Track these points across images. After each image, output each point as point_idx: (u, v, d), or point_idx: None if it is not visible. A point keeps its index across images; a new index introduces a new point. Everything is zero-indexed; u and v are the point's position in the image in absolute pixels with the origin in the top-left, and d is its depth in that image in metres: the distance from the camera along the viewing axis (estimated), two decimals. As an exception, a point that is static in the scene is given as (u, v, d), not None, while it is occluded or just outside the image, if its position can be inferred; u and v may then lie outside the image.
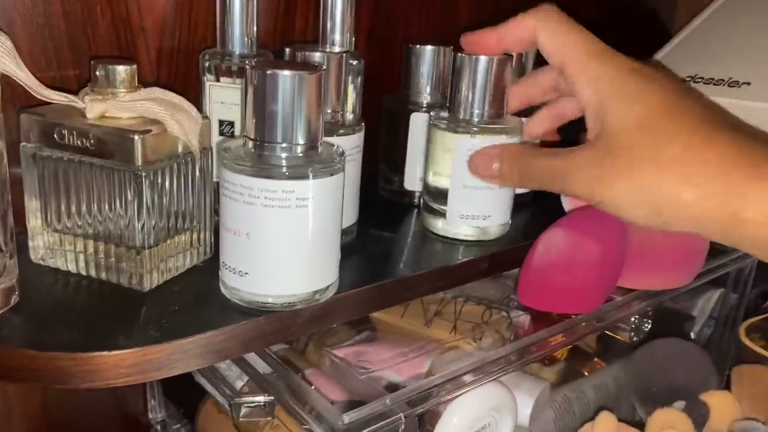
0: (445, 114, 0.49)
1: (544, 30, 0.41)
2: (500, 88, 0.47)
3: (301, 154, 0.37)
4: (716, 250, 0.61)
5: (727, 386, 0.54)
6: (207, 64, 0.46)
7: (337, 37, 0.52)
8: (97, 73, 0.38)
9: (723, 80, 0.63)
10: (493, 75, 0.47)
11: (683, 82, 0.38)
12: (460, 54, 0.47)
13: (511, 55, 0.47)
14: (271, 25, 0.54)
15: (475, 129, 0.47)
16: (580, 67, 0.39)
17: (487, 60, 0.46)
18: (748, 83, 0.61)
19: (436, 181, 0.50)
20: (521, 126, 0.49)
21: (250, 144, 0.37)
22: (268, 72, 0.35)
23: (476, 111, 0.48)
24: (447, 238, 0.50)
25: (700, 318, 0.63)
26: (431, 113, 0.50)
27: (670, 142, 0.35)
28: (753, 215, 0.32)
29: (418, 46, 0.55)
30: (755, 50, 0.65)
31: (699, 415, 0.47)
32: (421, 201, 0.53)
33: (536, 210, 0.54)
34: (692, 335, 0.63)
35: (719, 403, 0.48)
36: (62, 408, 0.55)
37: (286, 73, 0.35)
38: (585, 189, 0.38)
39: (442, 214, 0.50)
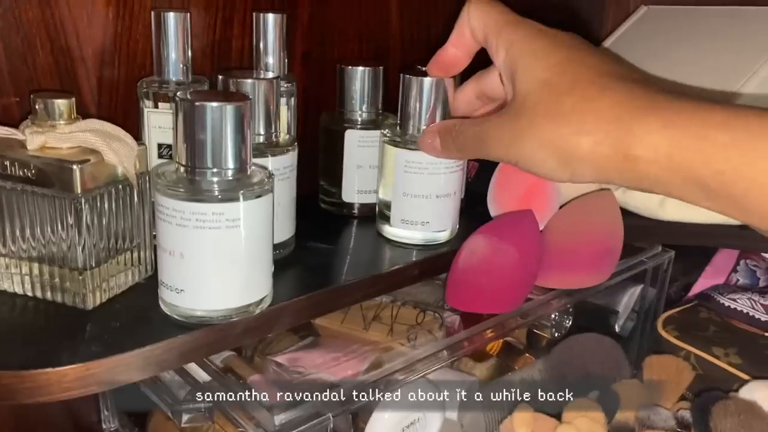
0: (395, 131, 0.54)
1: (472, 14, 0.43)
2: (441, 105, 0.52)
3: (231, 178, 0.40)
4: (635, 248, 0.65)
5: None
6: (145, 91, 0.49)
7: (271, 60, 0.55)
8: (37, 106, 0.41)
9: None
10: (434, 94, 0.51)
11: (594, 46, 0.41)
12: (407, 75, 0.52)
13: (453, 77, 0.51)
14: (208, 50, 0.56)
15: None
16: (496, 34, 0.41)
17: (429, 80, 0.51)
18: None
19: (387, 193, 0.54)
20: None
21: (182, 170, 0.40)
22: (197, 104, 0.38)
23: (422, 127, 0.52)
24: (394, 242, 0.55)
25: (624, 312, 0.68)
26: (383, 131, 0.54)
27: (567, 95, 0.36)
28: (642, 152, 0.33)
29: (350, 67, 0.59)
30: (671, 62, 0.70)
31: (610, 402, 0.51)
32: (377, 209, 0.57)
33: (468, 217, 0.58)
34: (617, 329, 0.68)
35: (628, 391, 0.52)
36: (15, 420, 0.57)
37: (213, 104, 0.38)
38: (501, 151, 0.40)
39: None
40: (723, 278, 0.72)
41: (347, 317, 0.58)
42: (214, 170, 0.39)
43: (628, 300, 0.69)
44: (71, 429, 0.60)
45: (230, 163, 0.40)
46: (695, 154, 0.32)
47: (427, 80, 0.51)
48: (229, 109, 0.38)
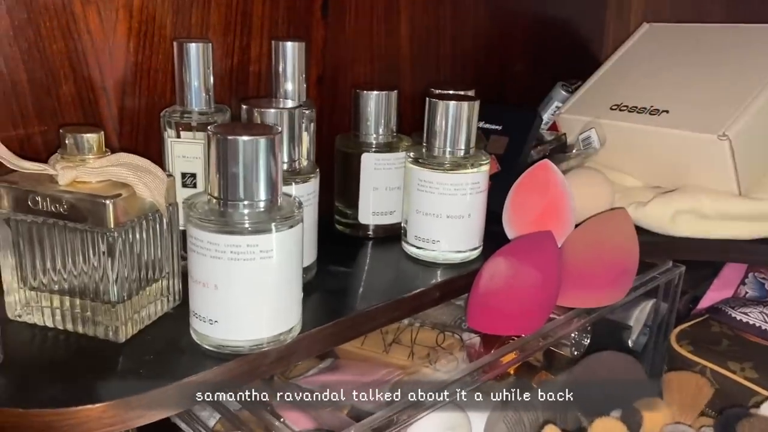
0: (420, 152, 0.55)
1: None
2: (469, 128, 0.54)
3: (262, 209, 0.40)
4: (646, 264, 0.66)
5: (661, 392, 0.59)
6: (168, 120, 0.49)
7: (290, 86, 0.55)
8: (67, 141, 0.41)
9: (645, 108, 0.69)
10: (463, 117, 0.53)
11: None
12: (432, 99, 0.54)
13: (477, 99, 0.54)
14: (227, 78, 0.57)
15: (446, 165, 0.54)
16: None
17: (455, 104, 0.53)
18: (667, 111, 0.67)
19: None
20: (488, 161, 0.55)
21: (215, 202, 0.40)
22: (229, 138, 0.38)
23: (448, 149, 0.53)
24: (411, 257, 0.56)
25: (636, 327, 0.69)
26: (407, 153, 0.56)
27: None
28: None
29: (364, 91, 0.59)
30: (673, 80, 0.71)
31: (634, 422, 0.51)
32: (402, 228, 0.59)
33: (485, 238, 0.58)
34: (630, 344, 0.69)
35: (650, 408, 0.53)
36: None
37: (245, 138, 0.39)
38: None
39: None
40: (731, 291, 0.73)
41: (366, 340, 0.59)
42: (246, 202, 0.40)
43: (639, 314, 0.70)
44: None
45: (262, 195, 0.40)
46: None
47: (452, 104, 0.52)
48: (262, 142, 0.39)
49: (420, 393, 0.46)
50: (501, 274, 0.51)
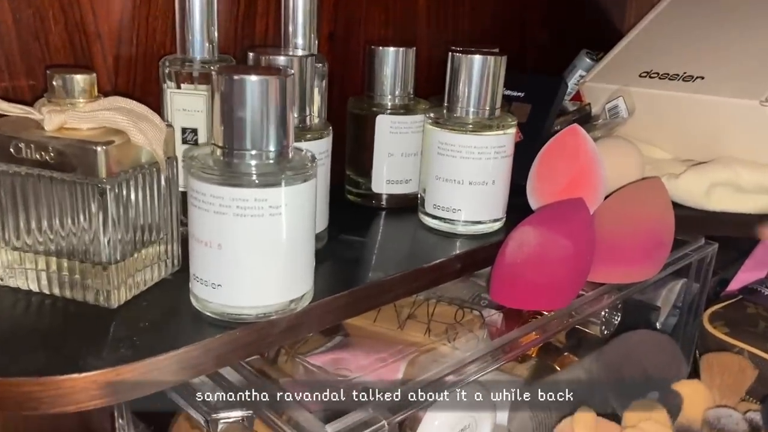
0: (441, 112, 0.51)
1: None
2: (495, 86, 0.50)
3: (272, 161, 0.36)
4: (677, 241, 0.62)
5: (694, 374, 0.55)
6: (167, 70, 0.45)
7: (300, 40, 0.51)
8: (54, 82, 0.37)
9: (677, 75, 0.65)
10: (489, 73, 0.49)
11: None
12: (456, 54, 0.50)
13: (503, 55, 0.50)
14: (231, 29, 0.52)
15: (470, 126, 0.50)
16: None
17: (480, 59, 0.49)
18: (702, 77, 0.63)
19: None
20: (515, 123, 0.51)
21: (219, 152, 0.36)
22: (236, 77, 0.34)
23: (471, 109, 0.49)
24: (428, 227, 0.52)
25: (665, 308, 0.65)
26: (427, 114, 0.52)
27: None
28: None
29: (380, 48, 0.55)
30: (707, 45, 0.66)
31: (673, 405, 0.47)
32: (419, 197, 0.54)
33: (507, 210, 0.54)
34: (658, 325, 0.65)
35: (691, 392, 0.49)
36: (25, 428, 0.52)
37: (254, 78, 0.34)
38: None
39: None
40: (764, 272, 0.69)
41: (380, 316, 0.54)
42: (254, 152, 0.35)
43: (668, 294, 0.66)
44: (83, 437, 0.56)
45: (271, 145, 0.36)
46: None
47: (477, 58, 0.48)
48: (273, 83, 0.35)
49: (440, 371, 0.42)
50: (530, 243, 0.47)
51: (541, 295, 0.47)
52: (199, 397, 0.40)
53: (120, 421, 0.55)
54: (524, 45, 0.80)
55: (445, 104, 0.51)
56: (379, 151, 0.56)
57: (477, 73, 0.49)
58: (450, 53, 0.50)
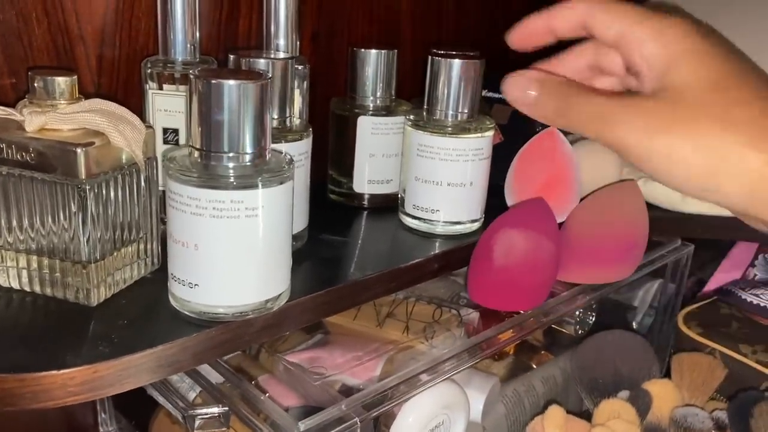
0: (421, 115, 0.52)
1: (594, 7, 0.39)
2: (474, 90, 0.50)
3: (249, 164, 0.37)
4: (653, 242, 0.63)
5: (667, 374, 0.56)
6: (149, 71, 0.45)
7: (282, 41, 0.52)
8: (36, 84, 0.37)
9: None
10: (468, 77, 0.50)
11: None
12: (436, 57, 0.50)
13: (481, 58, 0.50)
14: (214, 30, 0.53)
15: (449, 129, 0.50)
16: (639, 25, 0.36)
17: (459, 63, 0.49)
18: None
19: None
20: (494, 126, 0.52)
21: (196, 154, 0.36)
22: (213, 82, 0.35)
23: (450, 112, 0.49)
24: (408, 228, 0.53)
25: (641, 308, 0.66)
26: (407, 116, 0.52)
27: (743, 105, 0.33)
28: None
29: (363, 49, 0.56)
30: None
31: (642, 403, 0.49)
32: (399, 197, 0.55)
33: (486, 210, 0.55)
34: (634, 325, 0.66)
35: (660, 391, 0.50)
36: (9, 422, 0.53)
37: (231, 82, 0.35)
38: (633, 135, 0.35)
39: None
40: (740, 273, 0.70)
41: (359, 314, 0.55)
42: (231, 154, 0.36)
43: (644, 295, 0.67)
44: (67, 429, 0.56)
45: (248, 147, 0.36)
46: None
47: (456, 62, 0.49)
48: (250, 87, 0.35)
49: (415, 368, 0.43)
50: (518, 246, 0.47)
51: (529, 296, 0.48)
52: (177, 394, 0.41)
53: (102, 415, 0.55)
54: (507, 46, 0.81)
55: (425, 107, 0.52)
56: (361, 151, 0.57)
57: (456, 77, 0.50)
58: (429, 57, 0.51)
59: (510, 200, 0.56)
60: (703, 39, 0.36)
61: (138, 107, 0.46)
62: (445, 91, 0.51)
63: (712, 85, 0.34)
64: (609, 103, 0.37)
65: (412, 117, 0.52)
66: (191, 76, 0.36)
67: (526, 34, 0.43)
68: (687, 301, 0.68)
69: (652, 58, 0.37)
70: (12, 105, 0.40)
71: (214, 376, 0.42)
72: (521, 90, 0.41)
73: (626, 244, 0.53)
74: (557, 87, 0.40)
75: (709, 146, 0.33)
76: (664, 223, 0.62)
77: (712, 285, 0.71)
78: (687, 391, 0.52)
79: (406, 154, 0.53)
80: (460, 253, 0.51)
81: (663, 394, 0.49)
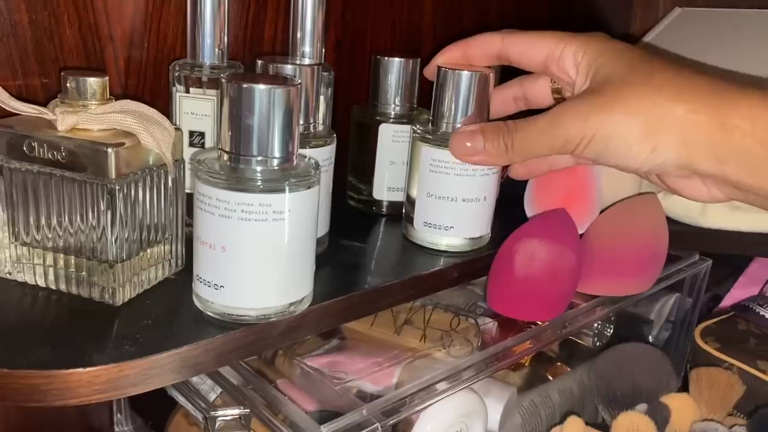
0: (427, 127, 0.50)
1: (512, 38, 0.45)
2: (482, 103, 0.49)
3: (276, 168, 0.37)
4: (671, 256, 0.63)
5: (684, 388, 0.56)
6: (177, 74, 0.46)
7: (307, 48, 0.52)
8: (68, 84, 0.38)
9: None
10: (475, 89, 0.48)
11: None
12: (443, 68, 0.48)
13: (494, 70, 0.49)
14: (240, 35, 0.54)
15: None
16: (564, 44, 0.42)
17: (469, 75, 0.48)
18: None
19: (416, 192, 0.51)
20: None
21: (225, 157, 0.37)
22: (245, 86, 0.35)
23: (457, 125, 0.49)
24: (416, 245, 0.52)
25: (658, 322, 0.66)
26: (414, 126, 0.51)
27: (660, 72, 0.37)
28: (740, 122, 0.34)
29: (386, 58, 0.56)
30: (710, 62, 0.67)
31: (661, 417, 0.48)
32: (404, 210, 0.54)
33: (503, 219, 0.55)
34: (650, 339, 0.66)
35: (679, 405, 0.50)
36: (25, 421, 0.53)
37: (263, 87, 0.35)
38: (577, 125, 0.39)
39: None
40: (757, 289, 0.70)
41: (377, 320, 0.55)
42: (259, 158, 0.36)
43: (660, 309, 0.67)
44: (82, 429, 0.57)
45: (277, 152, 0.37)
46: None
47: (465, 74, 0.48)
48: (281, 93, 0.36)
49: (434, 376, 0.43)
50: (540, 256, 0.47)
51: (549, 307, 0.48)
52: (199, 395, 0.41)
53: (118, 415, 0.56)
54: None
55: (431, 118, 0.51)
56: (381, 159, 0.57)
57: (464, 89, 0.48)
58: (437, 67, 0.49)
59: (530, 211, 0.56)
60: (617, 43, 0.42)
61: (163, 110, 0.46)
62: (452, 104, 0.49)
63: (632, 67, 0.39)
64: (547, 115, 0.41)
65: (420, 129, 0.50)
66: (223, 80, 0.36)
67: (443, 64, 0.48)
68: (702, 316, 0.68)
69: (582, 64, 0.42)
70: (41, 104, 0.40)
71: (235, 378, 0.42)
72: (466, 147, 0.44)
73: (646, 256, 0.53)
74: (498, 129, 0.44)
75: (639, 110, 0.37)
76: (682, 237, 0.62)
77: (728, 301, 0.70)
78: (705, 406, 0.52)
79: (416, 167, 0.51)
80: (479, 262, 0.51)
81: (682, 409, 0.49)
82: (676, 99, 0.36)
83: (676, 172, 0.39)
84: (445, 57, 0.48)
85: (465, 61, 0.48)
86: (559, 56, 0.43)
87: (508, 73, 0.51)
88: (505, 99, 0.51)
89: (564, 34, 0.43)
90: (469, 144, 0.45)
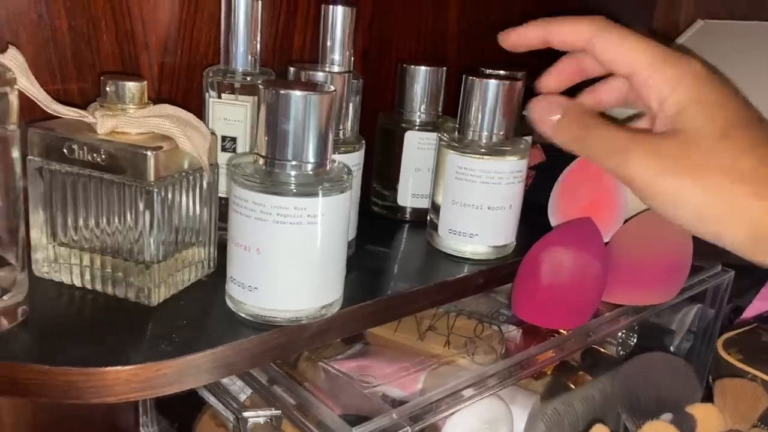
0: (453, 135, 0.51)
1: (603, 37, 0.40)
2: (509, 111, 0.49)
3: (310, 172, 0.37)
4: (694, 267, 0.63)
5: (707, 398, 0.56)
6: (210, 80, 0.47)
7: (337, 56, 0.53)
8: (108, 88, 0.39)
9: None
10: (503, 98, 0.49)
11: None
12: (470, 77, 0.49)
13: (520, 80, 0.49)
14: (270, 43, 0.54)
15: (482, 150, 0.49)
16: (654, 69, 0.39)
17: (496, 84, 0.48)
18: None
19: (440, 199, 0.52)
20: (528, 148, 0.51)
21: (261, 161, 0.38)
22: (282, 92, 0.36)
23: (484, 133, 0.49)
24: (441, 252, 0.52)
25: (679, 332, 0.66)
26: (440, 134, 0.52)
27: (747, 154, 0.36)
28: None
29: (412, 66, 0.57)
30: (731, 77, 0.67)
31: (687, 427, 0.48)
32: (428, 217, 0.54)
33: (526, 227, 0.56)
34: (672, 349, 0.65)
35: (705, 415, 0.50)
36: (52, 422, 0.54)
37: (299, 93, 0.36)
38: (646, 174, 0.37)
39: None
40: (780, 301, 0.70)
41: (401, 326, 0.56)
42: (294, 163, 0.37)
43: (683, 319, 0.66)
44: (108, 430, 0.57)
45: (311, 157, 0.37)
46: None
47: (493, 83, 0.49)
48: (316, 99, 0.36)
49: (460, 383, 0.43)
50: (566, 265, 0.47)
51: (574, 315, 0.48)
52: (230, 396, 0.42)
53: (144, 417, 0.56)
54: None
55: (457, 126, 0.52)
56: (407, 165, 0.58)
57: (491, 98, 0.49)
58: (464, 76, 0.50)
59: (554, 219, 0.56)
60: (714, 88, 0.38)
61: (197, 114, 0.47)
62: (479, 113, 0.50)
63: (721, 133, 0.37)
64: (624, 139, 0.39)
65: (446, 136, 0.51)
66: (260, 86, 0.37)
67: (521, 39, 0.44)
68: (724, 327, 0.67)
69: (667, 102, 0.39)
70: (79, 107, 0.41)
71: (265, 380, 0.43)
72: (545, 113, 0.43)
73: (670, 266, 0.53)
74: (579, 115, 0.42)
75: (716, 194, 0.36)
76: (704, 248, 0.61)
77: (750, 312, 0.70)
78: (730, 417, 0.52)
79: (442, 174, 0.52)
80: (505, 269, 0.51)
81: (707, 419, 0.49)
82: (756, 194, 0.35)
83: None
84: (524, 35, 0.44)
85: (542, 44, 0.44)
86: (644, 81, 0.39)
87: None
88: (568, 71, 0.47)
89: (658, 53, 0.39)
90: (546, 114, 0.43)
